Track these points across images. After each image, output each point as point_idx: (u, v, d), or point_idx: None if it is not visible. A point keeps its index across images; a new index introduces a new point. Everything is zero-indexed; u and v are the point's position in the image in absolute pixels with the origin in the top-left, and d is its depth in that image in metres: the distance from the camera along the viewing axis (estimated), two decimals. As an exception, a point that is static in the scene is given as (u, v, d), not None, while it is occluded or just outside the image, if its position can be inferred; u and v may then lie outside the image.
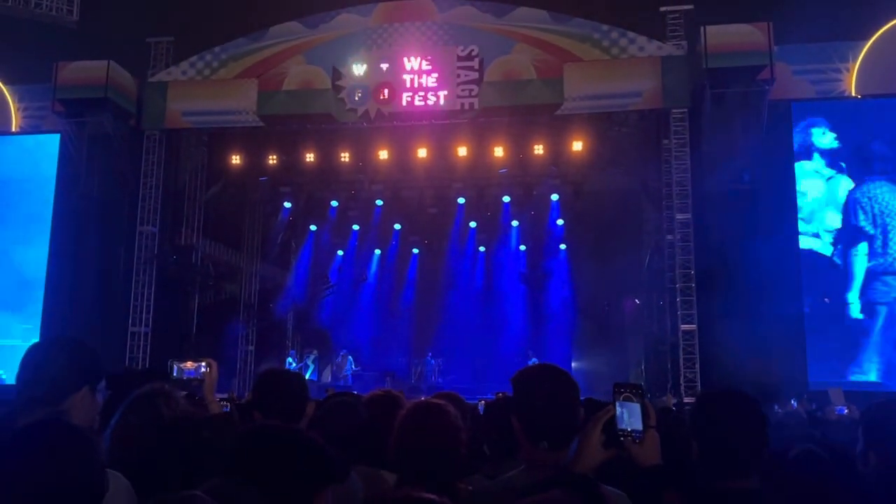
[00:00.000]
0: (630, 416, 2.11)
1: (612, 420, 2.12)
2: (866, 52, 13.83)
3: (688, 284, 13.69)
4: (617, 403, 2.13)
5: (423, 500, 1.56)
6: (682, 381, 13.33)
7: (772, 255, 13.22)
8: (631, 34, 14.38)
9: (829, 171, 13.68)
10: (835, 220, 13.54)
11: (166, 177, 15.62)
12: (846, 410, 5.80)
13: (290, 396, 3.07)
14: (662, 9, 14.43)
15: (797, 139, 13.77)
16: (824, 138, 13.69)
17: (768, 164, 13.53)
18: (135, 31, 16.26)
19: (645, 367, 15.91)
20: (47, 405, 2.25)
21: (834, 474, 3.04)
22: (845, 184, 13.59)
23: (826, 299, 13.29)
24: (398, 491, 1.69)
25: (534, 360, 16.56)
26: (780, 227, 13.27)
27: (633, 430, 2.11)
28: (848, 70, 13.89)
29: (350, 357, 17.55)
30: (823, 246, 13.50)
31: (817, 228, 13.56)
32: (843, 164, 13.63)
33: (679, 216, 13.91)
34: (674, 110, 14.18)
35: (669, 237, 14.15)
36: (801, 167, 13.75)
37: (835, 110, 13.89)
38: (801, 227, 13.57)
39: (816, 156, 13.73)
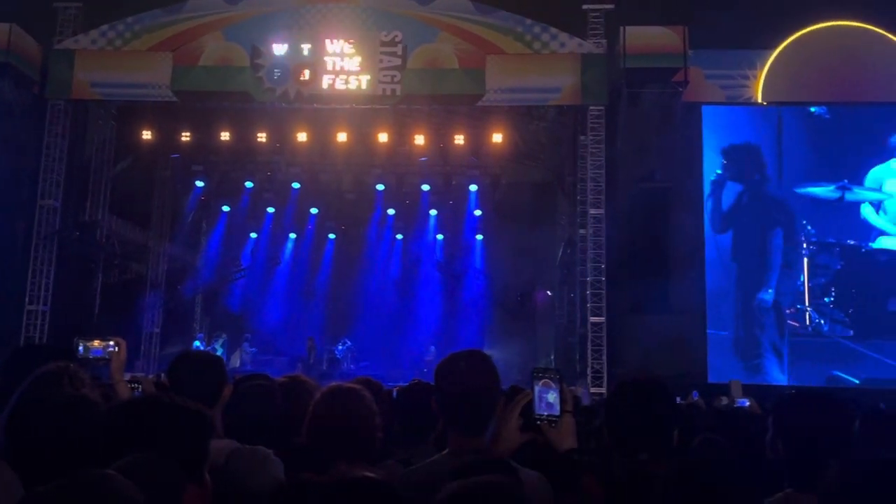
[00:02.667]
0: (547, 401, 2.15)
1: (530, 404, 2.15)
2: (772, 62, 14.47)
3: (598, 278, 14.03)
4: (535, 388, 2.16)
5: (361, 480, 1.53)
6: (589, 371, 13.68)
7: (679, 252, 13.75)
8: (553, 30, 14.58)
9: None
10: None
11: (71, 149, 14.91)
12: (747, 403, 6.09)
13: (208, 378, 2.98)
14: (584, 7, 14.68)
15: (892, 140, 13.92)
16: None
17: (679, 163, 14.01)
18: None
19: (555, 357, 16.26)
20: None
21: (735, 461, 3.19)
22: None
23: None
24: (328, 473, 1.67)
25: (432, 350, 16.75)
26: (688, 225, 13.77)
27: (550, 415, 2.14)
28: (755, 77, 14.49)
29: (245, 343, 17.31)
30: None
31: None
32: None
33: (592, 211, 14.23)
34: (591, 107, 14.45)
35: (582, 231, 14.46)
36: (886, 167, 13.91)
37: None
38: (889, 228, 13.73)
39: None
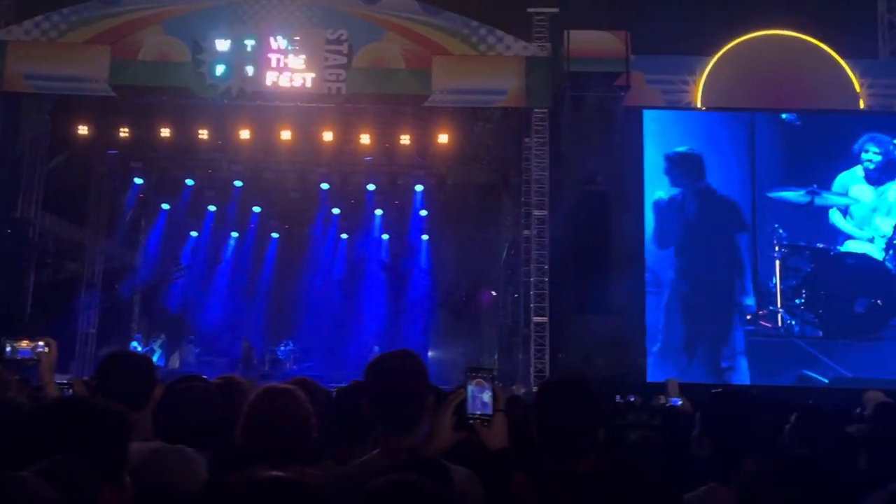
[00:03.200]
0: (482, 401, 2.18)
1: (463, 403, 2.18)
2: (710, 68, 14.85)
3: (541, 279, 14.19)
4: (468, 387, 2.19)
5: (274, 480, 1.54)
6: (532, 371, 13.82)
7: (619, 254, 13.99)
8: (499, 32, 14.68)
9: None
10: (886, 226, 14.11)
11: (2, 144, 14.44)
12: (680, 402, 6.23)
13: (137, 379, 2.93)
14: (529, 10, 14.83)
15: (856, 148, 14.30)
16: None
17: (620, 166, 14.25)
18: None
19: (499, 357, 16.40)
20: None
21: (667, 457, 3.28)
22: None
23: (878, 302, 13.86)
24: (245, 473, 1.68)
25: (375, 350, 16.69)
26: (628, 227, 14.02)
27: (482, 414, 2.17)
28: (694, 83, 14.85)
29: (190, 344, 17.02)
30: (877, 251, 14.05)
31: (871, 234, 14.10)
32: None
33: (536, 212, 14.38)
34: (536, 110, 14.61)
35: (526, 232, 14.62)
36: (851, 174, 14.26)
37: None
38: (856, 233, 14.08)
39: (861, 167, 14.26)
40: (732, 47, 14.82)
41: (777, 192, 14.28)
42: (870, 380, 13.18)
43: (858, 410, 5.34)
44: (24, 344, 3.23)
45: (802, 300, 14.02)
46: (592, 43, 14.17)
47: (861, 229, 14.19)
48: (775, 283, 14.07)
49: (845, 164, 14.37)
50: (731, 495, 2.06)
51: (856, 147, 14.39)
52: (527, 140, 14.79)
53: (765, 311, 14.07)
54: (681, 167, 14.32)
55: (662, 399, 7.47)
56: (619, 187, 14.15)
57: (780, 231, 14.19)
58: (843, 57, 14.70)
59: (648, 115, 14.57)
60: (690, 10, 14.93)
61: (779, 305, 14.02)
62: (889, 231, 14.13)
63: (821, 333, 13.91)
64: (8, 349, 3.20)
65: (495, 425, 2.19)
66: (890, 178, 14.33)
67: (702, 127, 14.78)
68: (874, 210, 14.23)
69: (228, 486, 1.54)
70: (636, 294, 13.83)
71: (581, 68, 13.96)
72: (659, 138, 14.55)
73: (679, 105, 14.80)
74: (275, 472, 1.61)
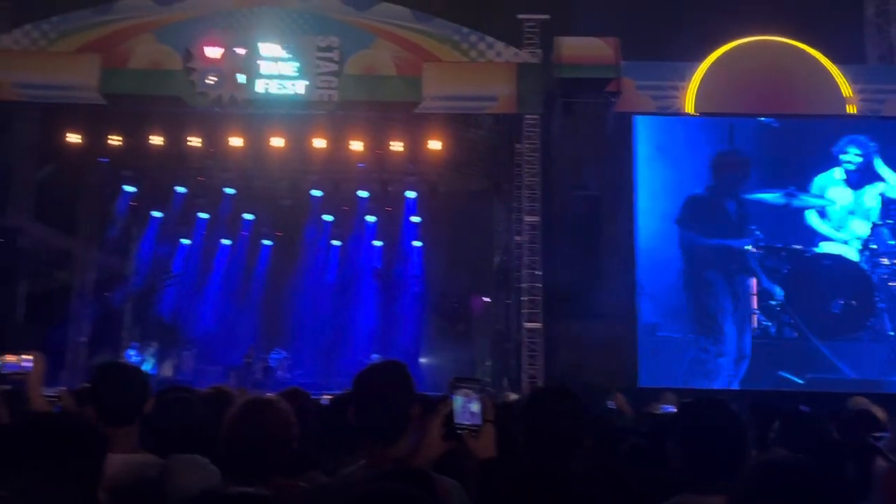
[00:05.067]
0: (469, 410, 2.18)
1: (451, 413, 2.18)
2: (703, 74, 14.91)
3: (534, 284, 14.19)
4: (457, 397, 2.19)
5: (238, 495, 1.55)
6: (525, 378, 13.82)
7: (611, 260, 14.02)
8: (490, 39, 14.72)
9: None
10: (863, 228, 14.15)
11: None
12: (674, 409, 6.20)
13: (129, 391, 2.93)
14: (520, 16, 14.86)
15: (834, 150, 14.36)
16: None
17: (611, 172, 14.29)
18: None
19: (491, 363, 16.39)
20: None
21: (653, 467, 3.28)
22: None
23: (854, 303, 13.90)
24: (218, 488, 1.68)
25: (374, 358, 16.67)
26: (619, 234, 14.05)
27: (471, 424, 2.18)
28: (685, 88, 14.90)
29: (186, 352, 16.99)
30: (853, 253, 14.09)
31: (848, 236, 14.15)
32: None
33: (528, 218, 14.40)
34: (527, 116, 14.62)
35: (518, 238, 14.63)
36: (829, 175, 14.31)
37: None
38: (832, 234, 14.14)
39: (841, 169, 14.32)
40: (723, 53, 14.88)
41: (754, 193, 14.33)
42: (847, 380, 13.32)
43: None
44: (9, 358, 3.21)
45: (779, 302, 14.07)
46: (583, 49, 14.22)
47: (838, 231, 14.26)
48: (751, 285, 14.13)
49: (824, 166, 14.44)
50: (714, 502, 2.07)
51: (835, 149, 14.46)
52: (518, 146, 14.81)
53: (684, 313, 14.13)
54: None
55: (654, 406, 7.47)
56: (610, 193, 14.19)
57: (757, 232, 14.24)
58: (832, 62, 14.80)
59: (642, 122, 14.60)
60: (680, 16, 14.98)
61: (755, 306, 14.07)
62: (865, 233, 14.18)
63: (796, 335, 13.95)
64: None
65: (483, 436, 2.19)
66: (868, 182, 14.39)
67: (680, 131, 14.81)
68: (851, 212, 14.30)
69: (207, 499, 1.55)
70: (628, 300, 13.86)
71: (571, 75, 14.02)
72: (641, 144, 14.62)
73: (670, 111, 14.85)
74: (239, 488, 1.61)
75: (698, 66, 14.90)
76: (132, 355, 15.86)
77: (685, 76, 14.92)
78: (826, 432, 3.84)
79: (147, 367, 15.68)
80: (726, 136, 14.58)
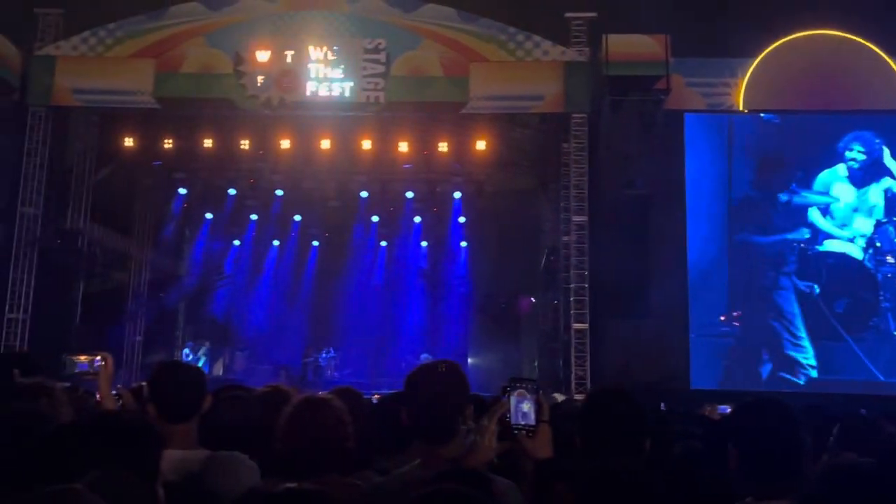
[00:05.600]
0: (524, 411, 2.18)
1: (506, 414, 2.18)
2: (753, 70, 14.60)
3: (581, 285, 14.07)
4: (512, 398, 2.19)
5: (297, 492, 1.57)
6: (573, 378, 13.71)
7: (661, 259, 13.82)
8: (536, 37, 14.65)
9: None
10: (867, 226, 13.91)
11: (52, 156, 14.80)
12: (728, 409, 6.08)
13: (188, 390, 2.99)
14: (567, 15, 14.76)
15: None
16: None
17: (661, 171, 14.08)
18: (21, 0, 15.30)
19: (538, 363, 16.30)
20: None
21: (708, 469, 3.22)
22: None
23: (858, 302, 13.68)
24: (271, 484, 1.71)
25: (425, 356, 16.72)
26: (670, 232, 13.84)
27: (526, 424, 2.17)
28: (736, 85, 14.62)
29: (238, 352, 17.27)
30: (857, 251, 13.87)
31: (852, 233, 13.94)
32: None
33: (575, 218, 14.28)
34: (574, 115, 14.51)
35: (565, 238, 14.52)
36: (834, 172, 14.08)
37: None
38: (835, 232, 13.94)
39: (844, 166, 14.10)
40: (775, 48, 14.56)
41: (756, 190, 14.08)
42: (849, 381, 13.05)
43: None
44: (83, 358, 3.34)
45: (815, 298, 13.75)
46: (631, 47, 14.03)
47: (841, 228, 13.93)
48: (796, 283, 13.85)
49: (828, 163, 14.11)
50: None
51: (840, 145, 14.13)
52: (565, 145, 14.70)
53: (738, 313, 13.88)
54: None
55: (708, 408, 7.33)
56: (660, 191, 13.99)
57: (804, 229, 13.99)
58: (889, 54, 14.37)
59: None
60: (731, 12, 14.68)
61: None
62: (869, 231, 13.83)
63: (800, 334, 13.67)
64: (67, 364, 3.33)
65: (539, 436, 2.18)
66: (874, 179, 14.00)
67: (729, 128, 14.56)
68: (855, 210, 13.95)
69: (256, 497, 1.58)
70: (679, 299, 13.64)
71: (620, 72, 13.83)
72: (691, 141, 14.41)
73: (721, 108, 14.60)
74: (299, 484, 1.63)
75: (750, 62, 14.61)
76: (187, 354, 16.20)
77: (736, 73, 14.65)
78: (887, 436, 3.73)
79: (199, 364, 16.01)
80: (725, 133, 14.28)
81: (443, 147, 15.31)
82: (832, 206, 13.98)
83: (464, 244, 18.71)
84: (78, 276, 15.31)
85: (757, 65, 14.60)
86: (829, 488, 1.86)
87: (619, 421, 2.34)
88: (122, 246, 17.17)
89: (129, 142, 15.30)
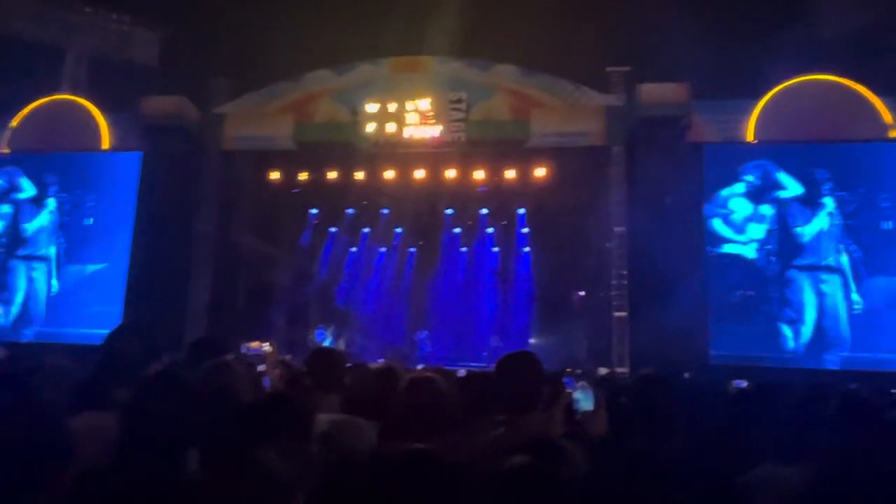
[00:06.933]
0: (584, 399, 2.22)
1: (571, 402, 2.22)
2: (761, 108, 14.04)
3: (621, 282, 13.86)
4: (575, 388, 2.23)
5: (419, 451, 1.55)
6: (614, 355, 13.47)
7: (684, 261, 13.38)
8: (583, 87, 14.51)
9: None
10: (760, 232, 13.65)
11: (223, 189, 15.53)
12: (745, 384, 5.86)
13: (335, 368, 3.14)
14: (608, 69, 14.59)
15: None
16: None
17: (684, 191, 13.69)
18: (201, 73, 16.15)
19: (587, 344, 16.06)
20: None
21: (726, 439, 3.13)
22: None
23: (750, 293, 13.49)
24: (397, 444, 1.74)
25: (495, 340, 16.71)
26: (690, 240, 13.45)
27: (586, 410, 2.21)
28: (747, 121, 14.08)
29: (357, 335, 17.56)
30: (750, 252, 13.63)
31: (747, 238, 13.71)
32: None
33: (616, 229, 14.07)
34: (614, 147, 14.31)
35: (609, 245, 14.29)
36: (733, 188, 13.81)
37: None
38: (733, 237, 13.67)
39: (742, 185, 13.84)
40: (777, 92, 13.96)
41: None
42: (742, 356, 12.67)
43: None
44: (255, 344, 3.55)
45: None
46: (659, 92, 13.71)
47: (739, 234, 13.57)
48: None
49: (728, 184, 13.80)
50: (788, 474, 1.97)
51: (739, 169, 13.77)
52: (608, 171, 14.48)
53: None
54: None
55: (733, 384, 7.06)
56: (683, 207, 13.59)
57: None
58: (875, 93, 13.58)
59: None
60: (742, 60, 14.15)
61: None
62: (762, 236, 13.51)
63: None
64: (244, 348, 3.53)
65: (597, 418, 2.21)
66: (766, 196, 13.62)
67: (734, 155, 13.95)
68: (750, 219, 13.62)
69: (389, 453, 1.60)
70: (699, 292, 13.19)
71: (651, 114, 13.53)
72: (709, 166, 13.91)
73: (735, 140, 14.07)
74: (420, 445, 1.63)
75: (756, 102, 14.03)
76: (320, 333, 16.62)
77: (747, 110, 14.09)
78: (880, 412, 3.50)
79: (328, 342, 16.44)
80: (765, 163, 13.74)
81: (510, 174, 15.27)
82: (731, 216, 13.74)
83: (527, 249, 18.58)
84: (241, 275, 15.95)
85: (764, 103, 14.01)
86: (839, 462, 1.78)
87: (662, 407, 2.32)
88: (271, 252, 17.80)
89: (275, 175, 15.85)
